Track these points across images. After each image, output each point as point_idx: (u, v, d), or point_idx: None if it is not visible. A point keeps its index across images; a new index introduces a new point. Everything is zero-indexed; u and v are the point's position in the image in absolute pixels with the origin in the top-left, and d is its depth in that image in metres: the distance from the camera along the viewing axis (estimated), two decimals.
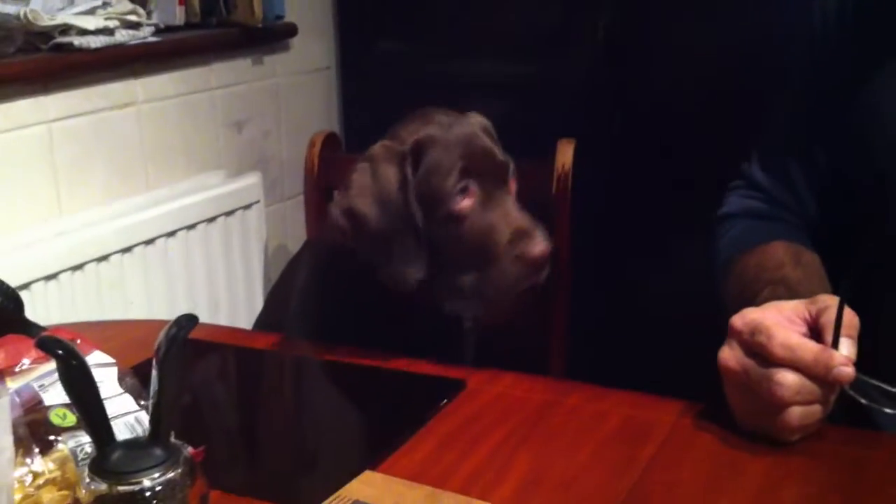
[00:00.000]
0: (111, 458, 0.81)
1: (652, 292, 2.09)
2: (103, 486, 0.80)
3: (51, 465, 0.85)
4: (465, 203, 1.18)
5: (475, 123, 1.25)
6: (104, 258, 1.76)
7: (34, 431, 0.88)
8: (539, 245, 1.16)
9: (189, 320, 0.82)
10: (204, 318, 0.86)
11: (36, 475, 0.84)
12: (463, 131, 1.22)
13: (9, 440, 0.71)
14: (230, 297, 2.05)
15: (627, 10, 2.08)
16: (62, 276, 1.68)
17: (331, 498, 0.90)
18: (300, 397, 1.21)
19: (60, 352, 0.78)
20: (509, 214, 1.18)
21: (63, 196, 1.76)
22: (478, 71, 2.23)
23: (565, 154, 1.72)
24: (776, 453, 0.96)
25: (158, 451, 0.81)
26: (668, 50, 2.05)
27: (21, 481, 0.84)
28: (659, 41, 2.07)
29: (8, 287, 1.18)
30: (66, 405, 0.89)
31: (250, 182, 2.11)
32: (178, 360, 0.83)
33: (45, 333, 0.88)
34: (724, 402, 1.01)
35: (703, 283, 1.27)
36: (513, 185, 1.23)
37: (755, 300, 1.04)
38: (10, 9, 1.73)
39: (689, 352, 1.30)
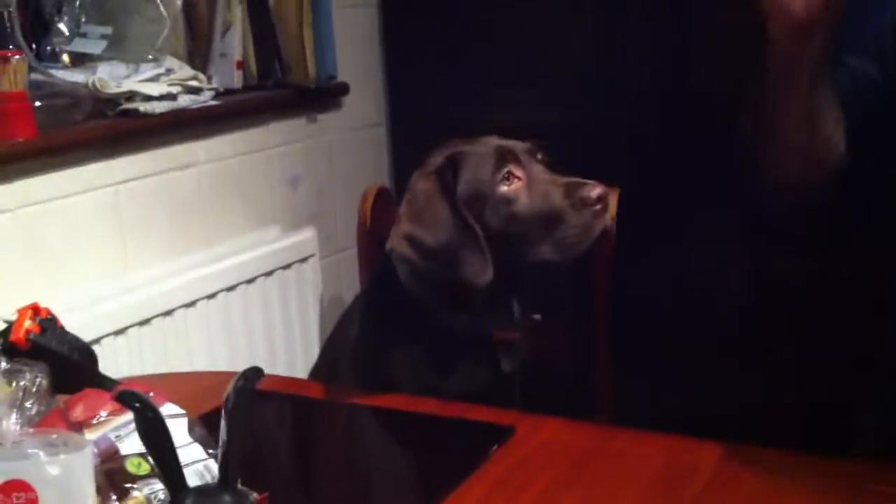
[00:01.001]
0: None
1: (692, 335, 2.10)
2: None
3: None
4: (513, 186, 1.30)
5: (492, 138, 1.38)
6: (169, 313, 1.84)
7: (111, 480, 0.94)
8: (594, 188, 1.28)
9: (255, 373, 0.89)
10: (262, 368, 0.92)
11: None
12: (485, 140, 1.37)
13: (92, 489, 0.77)
14: (287, 348, 2.12)
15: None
16: (130, 331, 1.76)
17: None
18: (356, 444, 1.27)
19: (137, 404, 0.85)
20: (554, 178, 1.31)
21: (129, 254, 1.84)
22: (523, 118, 2.28)
23: (610, 204, 1.76)
24: (818, 496, 0.99)
25: (227, 498, 0.88)
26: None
27: None
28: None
29: (82, 342, 1.26)
30: (140, 454, 0.95)
31: (306, 236, 2.18)
32: (245, 410, 0.89)
33: (120, 387, 0.94)
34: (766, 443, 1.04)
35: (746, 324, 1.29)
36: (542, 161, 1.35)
37: None
38: (78, 77, 1.83)
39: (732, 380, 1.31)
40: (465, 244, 1.28)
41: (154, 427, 0.86)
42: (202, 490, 0.89)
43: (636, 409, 1.34)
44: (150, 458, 0.94)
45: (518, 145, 1.36)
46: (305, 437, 1.31)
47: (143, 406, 0.85)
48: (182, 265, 1.92)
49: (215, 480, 0.91)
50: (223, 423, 0.89)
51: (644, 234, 2.03)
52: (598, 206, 1.29)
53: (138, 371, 1.68)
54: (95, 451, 0.96)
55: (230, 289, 1.98)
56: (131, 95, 1.81)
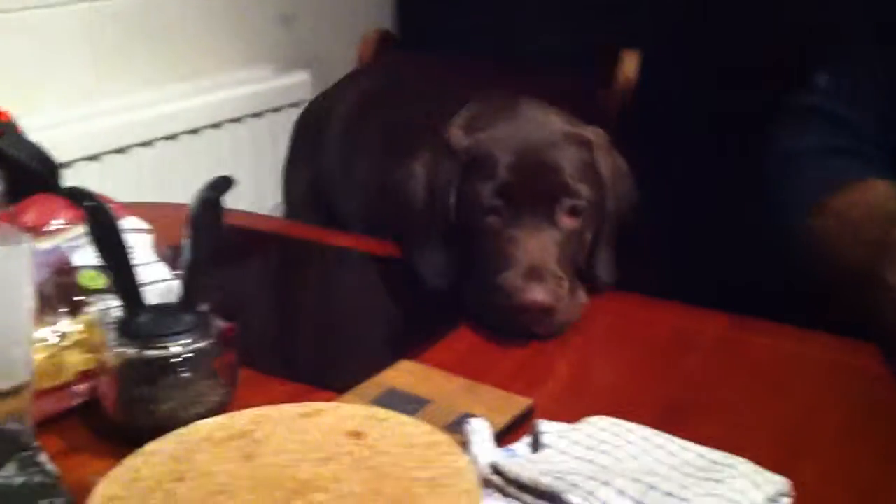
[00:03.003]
0: (139, 322, 0.78)
1: (713, 215, 2.01)
2: (131, 350, 0.77)
3: (78, 327, 0.82)
4: (491, 220, 1.04)
5: (536, 130, 1.09)
6: (148, 143, 1.73)
7: (62, 293, 0.85)
8: (528, 294, 0.96)
9: (224, 181, 0.79)
10: (232, 177, 0.82)
11: (61, 336, 0.82)
12: (517, 143, 1.06)
13: (29, 287, 0.67)
14: (274, 193, 2.02)
15: None
16: (104, 157, 1.65)
17: (364, 384, 0.86)
18: (342, 287, 1.17)
19: (89, 203, 0.74)
20: (530, 250, 1.00)
21: (103, 78, 1.72)
22: None
23: (629, 64, 1.65)
24: (824, 374, 0.92)
25: (189, 318, 0.78)
26: None
27: (46, 342, 0.81)
28: None
29: (44, 152, 1.15)
30: (96, 268, 0.86)
31: (299, 79, 2.06)
32: (212, 223, 0.79)
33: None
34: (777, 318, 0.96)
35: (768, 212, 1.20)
36: (566, 220, 1.04)
37: (887, 240, 0.99)
38: None
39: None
40: (435, 234, 1.09)
41: (107, 230, 0.76)
42: (160, 308, 0.79)
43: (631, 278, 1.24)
44: (103, 266, 0.84)
45: (536, 181, 1.05)
46: (288, 276, 1.22)
47: (95, 205, 0.75)
48: (164, 95, 1.80)
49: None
50: (187, 236, 0.79)
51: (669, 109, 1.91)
52: (516, 311, 0.97)
53: None
54: (46, 260, 0.86)
55: (215, 125, 1.86)
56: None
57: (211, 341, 0.78)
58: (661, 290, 1.09)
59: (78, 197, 0.74)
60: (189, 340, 0.77)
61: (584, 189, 1.04)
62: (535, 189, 1.03)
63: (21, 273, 0.66)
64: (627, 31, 1.95)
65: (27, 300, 0.67)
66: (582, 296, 1.03)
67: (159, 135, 1.75)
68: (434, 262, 1.09)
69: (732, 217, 1.73)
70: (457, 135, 1.09)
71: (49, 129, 1.54)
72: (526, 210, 1.03)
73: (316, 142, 1.59)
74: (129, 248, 0.79)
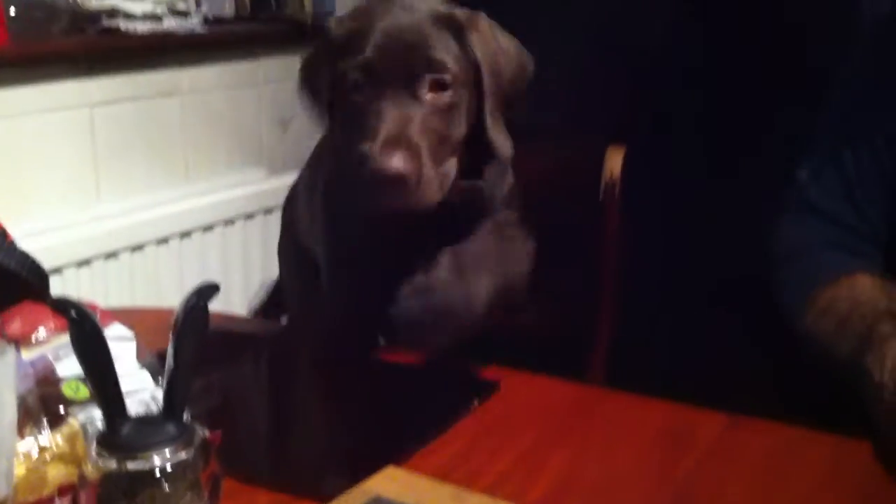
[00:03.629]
0: (121, 433, 0.77)
1: (702, 303, 2.02)
2: (111, 462, 0.75)
3: (59, 440, 0.81)
4: (355, 96, 1.05)
5: (406, 14, 1.08)
6: (139, 248, 1.74)
7: (46, 404, 0.84)
8: (384, 161, 0.98)
9: (210, 289, 0.78)
10: (218, 284, 0.81)
11: (43, 449, 0.80)
12: (385, 24, 1.07)
13: (11, 398, 0.67)
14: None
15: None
16: (95, 263, 1.66)
17: (350, 491, 0.85)
18: (327, 390, 1.16)
19: (74, 313, 0.74)
20: (390, 121, 1.01)
21: (101, 181, 1.74)
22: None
23: (615, 161, 1.67)
24: (824, 469, 0.90)
25: (171, 429, 0.77)
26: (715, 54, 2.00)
27: (28, 455, 0.80)
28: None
29: (33, 261, 1.15)
30: (80, 378, 0.85)
31: (291, 181, 2.07)
32: (197, 331, 0.79)
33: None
34: (775, 415, 0.95)
35: (755, 300, 1.21)
36: (431, 94, 1.04)
37: (871, 335, 0.99)
38: None
39: (741, 364, 1.24)
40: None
41: (92, 340, 0.75)
42: (143, 419, 0.78)
43: (630, 373, 1.24)
44: (86, 378, 0.83)
45: (402, 54, 1.08)
46: (274, 380, 1.21)
47: (80, 316, 0.74)
48: (157, 199, 1.82)
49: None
50: (170, 344, 0.78)
51: (651, 193, 1.93)
52: (373, 180, 1.01)
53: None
54: (30, 371, 0.86)
55: (207, 228, 1.87)
56: (113, 12, 1.71)
57: (194, 452, 0.77)
58: (661, 373, 1.09)
59: (63, 307, 0.74)
60: (171, 452, 0.75)
61: (450, 63, 1.05)
62: (396, 64, 1.05)
63: (3, 384, 0.65)
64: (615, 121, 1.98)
65: (9, 412, 0.67)
66: (451, 170, 1.05)
67: (151, 238, 1.75)
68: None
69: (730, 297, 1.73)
70: (332, 23, 1.12)
71: (43, 234, 1.55)
72: (388, 85, 1.04)
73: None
74: (113, 358, 0.78)
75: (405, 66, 1.04)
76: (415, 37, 1.06)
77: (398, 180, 0.99)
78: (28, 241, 1.19)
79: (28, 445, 0.80)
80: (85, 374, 0.77)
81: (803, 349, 1.13)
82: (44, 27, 1.66)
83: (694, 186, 2.02)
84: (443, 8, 1.10)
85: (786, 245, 1.22)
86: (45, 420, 0.82)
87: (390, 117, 1.02)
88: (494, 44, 1.11)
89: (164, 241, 1.78)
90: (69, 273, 1.61)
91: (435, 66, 1.05)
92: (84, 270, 1.63)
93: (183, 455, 0.76)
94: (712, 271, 2.03)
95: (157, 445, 0.75)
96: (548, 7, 2.17)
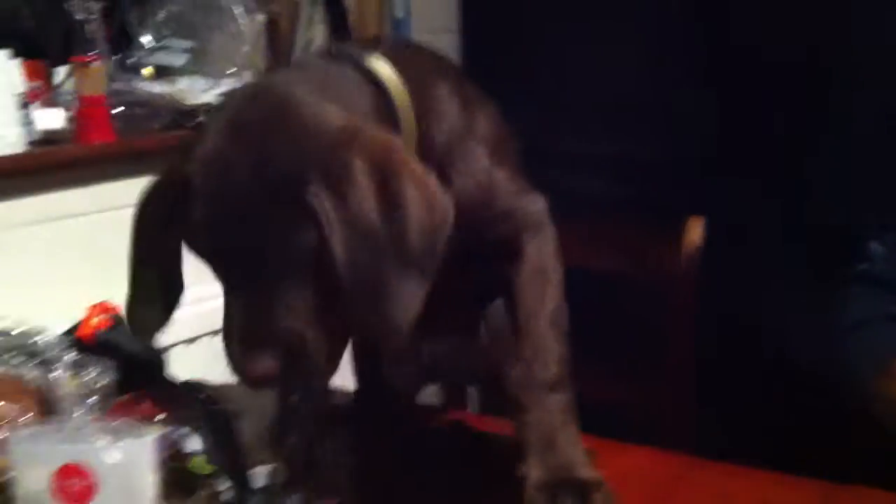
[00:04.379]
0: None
1: (781, 373, 2.03)
2: None
3: None
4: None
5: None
6: None
7: (174, 478, 0.91)
8: (242, 368, 0.80)
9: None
10: None
11: None
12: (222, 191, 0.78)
13: (152, 478, 0.74)
14: None
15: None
16: (202, 341, 1.74)
17: None
18: (421, 455, 1.18)
19: (202, 396, 0.81)
20: (239, 312, 0.81)
21: (201, 264, 1.82)
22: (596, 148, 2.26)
23: (694, 232, 1.70)
24: None
25: (293, 499, 0.84)
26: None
27: None
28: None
29: (153, 346, 1.23)
30: (205, 454, 0.92)
31: None
32: (312, 410, 0.85)
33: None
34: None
35: (838, 366, 1.24)
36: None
37: None
38: (159, 88, 1.84)
39: (823, 431, 1.25)
40: None
41: (218, 421, 0.83)
42: (268, 490, 0.85)
43: (712, 441, 1.26)
44: (213, 459, 0.90)
45: None
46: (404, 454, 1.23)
47: (207, 398, 0.82)
48: None
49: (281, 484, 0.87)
50: (289, 423, 0.85)
51: (727, 262, 1.96)
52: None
53: None
54: (160, 447, 0.93)
55: None
56: (210, 109, 1.81)
57: None
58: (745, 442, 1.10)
59: (192, 391, 0.81)
60: None
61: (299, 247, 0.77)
62: (234, 256, 0.81)
63: (145, 463, 0.72)
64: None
65: (151, 490, 0.73)
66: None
67: None
68: None
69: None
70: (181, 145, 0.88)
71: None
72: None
73: None
74: (236, 431, 0.85)
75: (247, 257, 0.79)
76: (248, 228, 0.77)
77: (273, 380, 0.80)
78: None
79: None
80: (213, 451, 0.84)
81: (872, 411, 1.15)
82: (145, 124, 1.77)
83: (770, 255, 2.05)
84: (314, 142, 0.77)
85: (855, 314, 1.24)
86: (175, 495, 0.89)
87: (244, 307, 0.81)
88: (364, 201, 0.77)
89: None
90: (178, 350, 1.70)
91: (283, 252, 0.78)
92: (192, 348, 1.72)
93: None
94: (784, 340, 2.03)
95: None
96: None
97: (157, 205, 0.87)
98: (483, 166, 0.94)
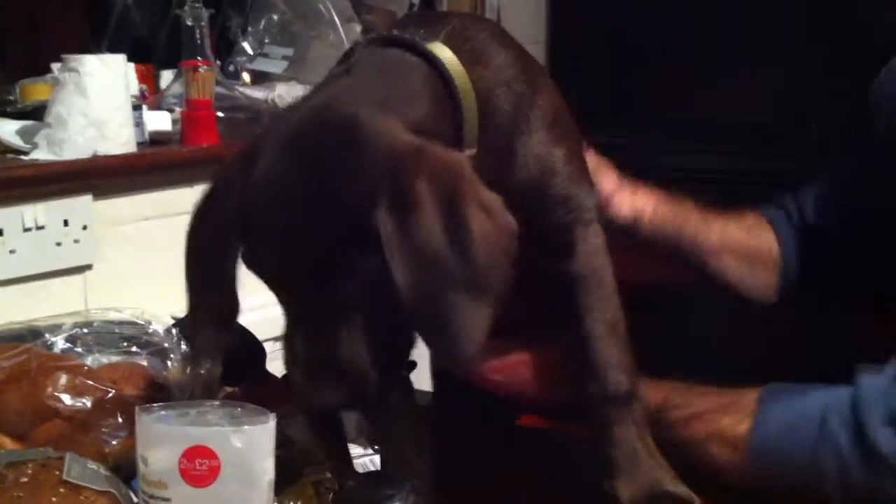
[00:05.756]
0: (353, 490, 0.89)
1: None
2: None
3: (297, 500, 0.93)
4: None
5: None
6: None
7: (281, 466, 0.97)
8: (308, 396, 0.82)
9: (412, 364, 0.88)
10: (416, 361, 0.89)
11: None
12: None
13: (271, 464, 0.79)
14: None
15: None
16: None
17: None
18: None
19: None
20: (303, 337, 0.82)
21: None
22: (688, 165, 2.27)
23: None
24: None
25: (395, 486, 0.88)
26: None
27: None
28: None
29: (253, 337, 1.29)
30: (312, 441, 0.97)
31: None
32: (406, 401, 0.90)
33: None
34: None
35: None
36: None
37: None
38: (258, 94, 1.91)
39: None
40: None
41: (326, 414, 0.88)
42: (368, 477, 0.90)
43: None
44: (317, 447, 0.96)
45: None
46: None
47: None
48: None
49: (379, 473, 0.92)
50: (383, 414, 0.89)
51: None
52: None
53: None
54: None
55: None
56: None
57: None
58: None
59: None
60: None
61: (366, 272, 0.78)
62: (297, 276, 0.80)
63: (265, 448, 0.78)
64: None
65: (269, 474, 0.79)
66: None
67: None
68: None
69: None
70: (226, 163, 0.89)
71: (251, 311, 1.71)
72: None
73: None
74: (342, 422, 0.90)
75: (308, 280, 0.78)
76: (310, 252, 0.77)
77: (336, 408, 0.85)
78: None
79: None
80: (319, 442, 0.90)
81: None
82: (245, 128, 1.84)
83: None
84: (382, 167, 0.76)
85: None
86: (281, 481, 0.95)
87: (305, 333, 0.81)
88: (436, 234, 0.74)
89: None
90: (267, 346, 1.77)
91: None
92: (277, 345, 1.78)
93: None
94: None
95: (384, 500, 0.87)
96: None
97: (211, 224, 0.86)
98: (541, 139, 0.92)
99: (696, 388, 1.03)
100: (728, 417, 0.98)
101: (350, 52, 0.94)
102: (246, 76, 2.05)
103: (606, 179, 1.19)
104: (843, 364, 0.98)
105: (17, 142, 1.55)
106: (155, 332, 1.12)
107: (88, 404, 0.95)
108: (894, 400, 0.91)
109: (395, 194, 0.74)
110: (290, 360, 0.82)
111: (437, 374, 1.23)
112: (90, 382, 0.97)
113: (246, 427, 0.77)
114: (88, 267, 1.55)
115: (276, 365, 1.71)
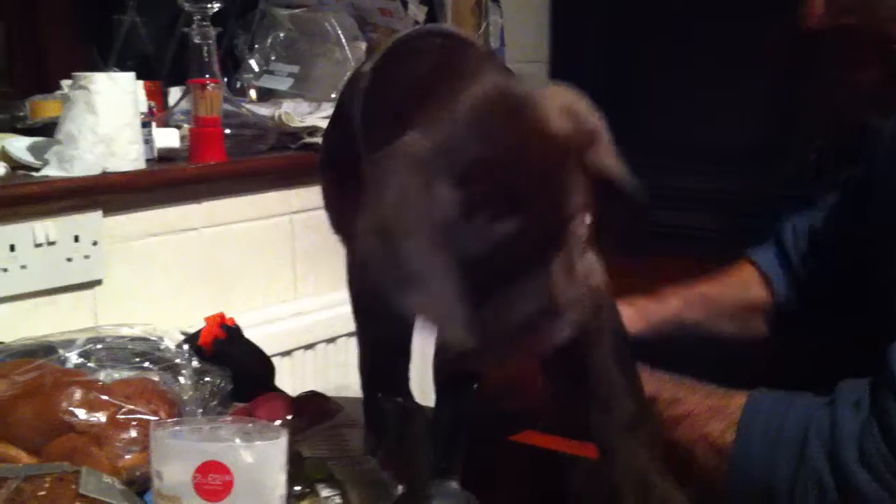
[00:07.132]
0: None
1: None
2: None
3: None
4: None
5: None
6: (332, 340, 1.90)
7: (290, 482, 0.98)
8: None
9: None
10: None
11: None
12: None
13: (283, 478, 0.81)
14: None
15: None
16: (296, 354, 1.83)
17: None
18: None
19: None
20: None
21: (300, 280, 1.92)
22: (690, 185, 2.29)
23: None
24: None
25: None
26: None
27: None
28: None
29: (263, 354, 1.32)
30: (318, 459, 0.99)
31: None
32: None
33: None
34: None
35: None
36: None
37: None
38: (265, 111, 1.93)
39: None
40: None
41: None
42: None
43: None
44: (326, 465, 0.98)
45: None
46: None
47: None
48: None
49: None
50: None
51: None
52: None
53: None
54: None
55: None
56: (313, 130, 1.90)
57: None
58: None
59: (316, 399, 0.89)
60: None
61: None
62: None
63: (277, 463, 0.80)
64: None
65: (280, 488, 0.81)
66: None
67: (343, 332, 1.92)
68: None
69: None
70: None
71: (250, 328, 1.73)
72: None
73: None
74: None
75: None
76: None
77: None
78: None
79: None
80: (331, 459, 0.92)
81: None
82: (253, 145, 1.86)
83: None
84: None
85: None
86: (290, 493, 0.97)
87: None
88: None
89: (352, 334, 1.94)
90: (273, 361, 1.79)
91: None
92: (286, 360, 1.81)
93: None
94: None
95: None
96: None
97: None
98: None
99: (687, 383, 1.05)
100: (715, 422, 1.00)
101: None
102: (252, 93, 2.08)
103: None
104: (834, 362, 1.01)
105: (28, 158, 1.56)
106: (167, 349, 1.14)
107: (102, 419, 0.97)
108: (868, 444, 0.93)
109: None
110: None
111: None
112: (104, 398, 0.99)
113: (258, 442, 0.79)
114: (98, 282, 1.57)
115: (282, 380, 1.75)
